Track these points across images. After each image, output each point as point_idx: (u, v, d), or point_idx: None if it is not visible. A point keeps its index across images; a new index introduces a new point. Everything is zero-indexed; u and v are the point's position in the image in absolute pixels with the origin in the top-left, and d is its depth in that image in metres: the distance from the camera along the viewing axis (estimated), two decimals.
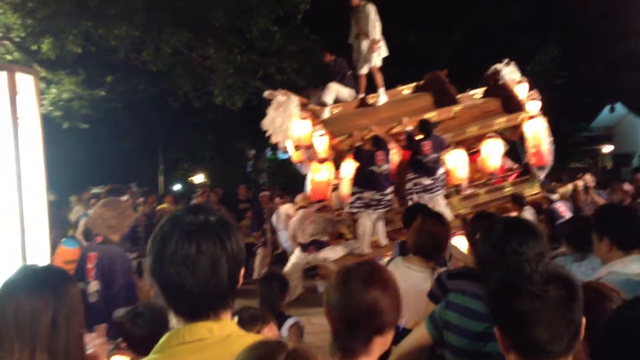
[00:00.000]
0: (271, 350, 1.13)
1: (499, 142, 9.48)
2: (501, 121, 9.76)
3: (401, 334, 3.73)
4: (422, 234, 3.76)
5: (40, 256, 2.89)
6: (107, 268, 4.43)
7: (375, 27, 9.35)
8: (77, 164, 18.69)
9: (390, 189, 8.71)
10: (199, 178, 27.08)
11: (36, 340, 1.80)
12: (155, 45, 13.23)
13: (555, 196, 9.47)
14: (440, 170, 8.88)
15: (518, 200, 9.03)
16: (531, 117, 9.83)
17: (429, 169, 8.73)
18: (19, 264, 2.73)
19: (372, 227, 8.71)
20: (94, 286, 4.46)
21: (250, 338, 1.56)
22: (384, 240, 8.75)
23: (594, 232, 3.16)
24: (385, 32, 9.71)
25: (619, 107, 29.70)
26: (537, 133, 9.84)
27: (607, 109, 29.90)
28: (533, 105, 10.04)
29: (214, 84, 14.40)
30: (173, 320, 3.96)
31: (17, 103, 2.69)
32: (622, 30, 23.01)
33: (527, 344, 1.59)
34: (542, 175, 9.89)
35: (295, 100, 9.25)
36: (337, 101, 9.77)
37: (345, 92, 9.82)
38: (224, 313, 1.59)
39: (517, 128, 10.07)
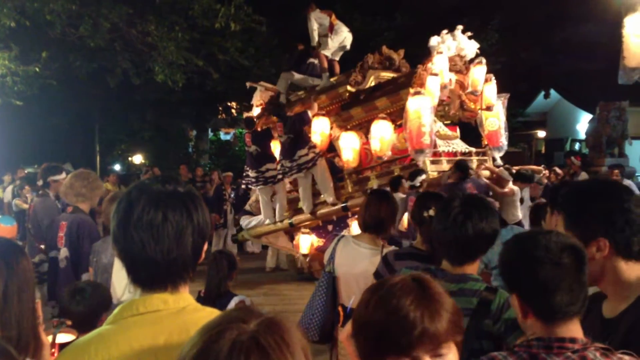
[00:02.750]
0: (241, 317, 1.09)
1: (388, 124, 8.97)
2: (383, 102, 9.35)
3: (349, 315, 3.79)
4: (368, 211, 3.80)
5: None
6: (75, 235, 4.70)
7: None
8: (10, 142, 18.02)
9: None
10: (137, 158, 26.55)
11: None
12: (93, 20, 12.82)
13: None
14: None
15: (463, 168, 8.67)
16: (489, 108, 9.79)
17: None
18: None
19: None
20: (63, 253, 4.71)
21: (205, 312, 1.54)
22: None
23: (549, 204, 3.32)
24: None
25: (554, 93, 30.52)
26: (493, 115, 9.90)
27: (541, 94, 30.67)
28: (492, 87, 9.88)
29: (155, 61, 14.09)
30: (126, 294, 3.93)
31: None
32: (559, 17, 23.66)
33: (549, 309, 1.74)
34: (497, 155, 9.84)
35: None
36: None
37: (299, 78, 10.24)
38: (182, 286, 1.57)
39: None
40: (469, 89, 9.63)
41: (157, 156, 24.92)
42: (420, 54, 10.23)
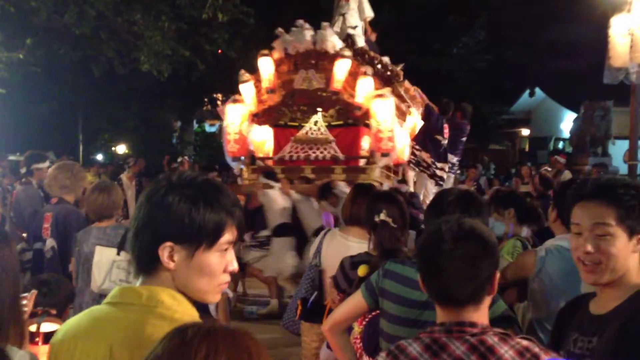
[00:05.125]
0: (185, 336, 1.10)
1: None
2: None
3: (309, 308, 3.80)
4: (355, 203, 3.80)
5: None
6: (61, 225, 4.74)
7: None
8: None
9: None
10: (121, 148, 26.35)
11: None
12: (79, 8, 12.68)
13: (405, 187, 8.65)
14: None
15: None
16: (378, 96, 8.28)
17: None
18: None
19: None
20: (49, 243, 4.73)
21: (166, 322, 1.43)
22: None
23: (551, 205, 3.36)
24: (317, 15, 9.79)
25: (538, 92, 30.74)
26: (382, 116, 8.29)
27: (527, 93, 30.89)
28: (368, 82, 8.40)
29: (140, 50, 13.98)
30: (106, 283, 3.89)
31: None
32: (545, 17, 23.82)
33: (436, 291, 1.84)
34: (383, 162, 8.45)
35: None
36: None
37: None
38: (162, 278, 1.51)
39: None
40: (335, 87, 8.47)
41: (140, 147, 24.71)
42: (404, 51, 10.30)
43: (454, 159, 9.54)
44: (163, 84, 16.96)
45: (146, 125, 24.53)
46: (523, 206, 4.78)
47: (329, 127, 8.89)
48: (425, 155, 8.99)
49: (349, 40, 9.33)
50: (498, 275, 1.83)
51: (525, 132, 31.01)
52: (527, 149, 30.93)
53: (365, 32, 9.77)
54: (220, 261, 1.49)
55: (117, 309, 1.47)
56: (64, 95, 21.07)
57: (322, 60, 8.57)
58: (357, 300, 2.69)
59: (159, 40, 13.37)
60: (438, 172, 8.97)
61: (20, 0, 11.88)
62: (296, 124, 8.99)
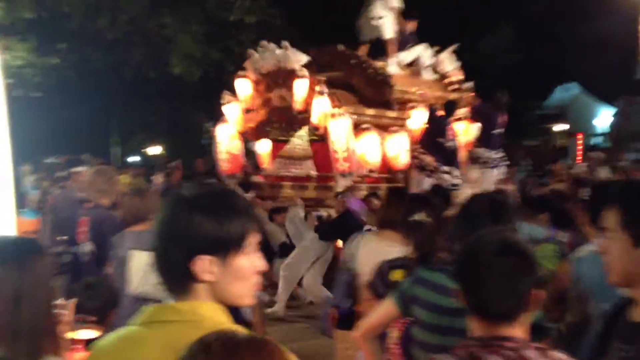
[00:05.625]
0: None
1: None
2: None
3: (344, 314, 3.79)
4: (389, 207, 3.78)
5: (7, 228, 2.78)
6: (97, 230, 4.77)
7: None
8: (28, 133, 18.11)
9: None
10: (154, 150, 26.64)
11: None
12: (111, 13, 12.88)
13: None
14: None
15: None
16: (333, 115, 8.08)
17: None
18: None
19: None
20: (86, 247, 4.79)
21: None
22: None
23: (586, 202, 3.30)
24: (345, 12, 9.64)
25: (573, 87, 30.27)
26: (336, 135, 8.07)
27: (561, 88, 30.43)
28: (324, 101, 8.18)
29: (171, 53, 14.13)
30: (141, 287, 3.95)
31: None
32: (576, 11, 23.43)
33: (476, 305, 1.80)
34: (342, 183, 7.97)
35: None
36: None
37: None
38: (203, 294, 1.51)
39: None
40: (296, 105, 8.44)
41: (173, 148, 24.97)
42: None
43: (489, 152, 9.13)
44: (194, 86, 17.10)
45: (178, 127, 24.76)
46: (557, 210, 4.68)
47: (315, 141, 8.75)
48: (429, 159, 8.72)
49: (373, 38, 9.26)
50: (539, 293, 1.80)
51: (560, 127, 30.49)
52: (561, 144, 30.44)
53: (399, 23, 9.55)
54: (251, 263, 1.52)
55: (156, 328, 1.47)
56: (97, 99, 21.38)
57: (289, 79, 8.57)
58: (388, 306, 2.68)
59: (189, 44, 13.49)
60: (446, 177, 8.59)
61: (54, 6, 12.09)
62: (286, 138, 8.98)
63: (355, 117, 8.34)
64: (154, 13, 13.46)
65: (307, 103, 8.28)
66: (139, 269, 4.21)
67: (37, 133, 19.52)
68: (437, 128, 8.64)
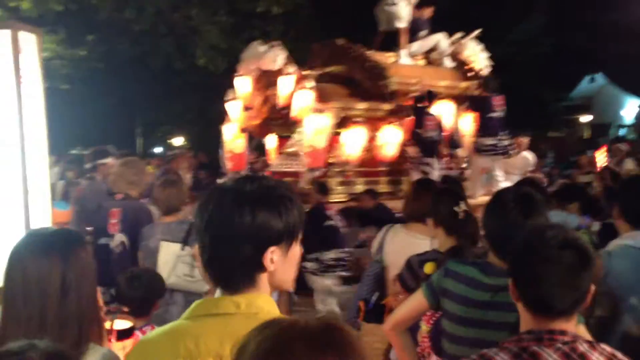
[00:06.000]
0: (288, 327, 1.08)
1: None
2: None
3: (371, 309, 3.79)
4: (417, 200, 3.77)
5: (44, 219, 2.84)
6: (132, 221, 4.69)
7: None
8: (54, 124, 18.27)
9: None
10: (178, 141, 26.83)
11: (45, 306, 1.76)
12: (138, 5, 12.98)
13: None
14: None
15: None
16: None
17: None
18: (22, 228, 2.68)
19: None
20: (119, 238, 4.72)
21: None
22: None
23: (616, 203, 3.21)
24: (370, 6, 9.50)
25: (599, 78, 29.88)
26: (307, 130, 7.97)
27: (587, 78, 30.06)
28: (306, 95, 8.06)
29: (197, 45, 14.21)
30: (172, 278, 4.00)
31: (19, 62, 2.64)
32: (606, 1, 23.07)
33: (533, 300, 1.79)
34: (308, 177, 7.91)
35: None
36: None
37: None
38: (258, 287, 1.55)
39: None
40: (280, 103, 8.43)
41: (198, 139, 25.12)
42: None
43: (491, 139, 8.85)
44: (219, 77, 17.16)
45: (203, 118, 24.88)
46: (586, 199, 4.66)
47: None
48: (412, 150, 8.54)
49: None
50: (592, 287, 1.80)
51: (585, 118, 30.15)
52: (587, 136, 30.10)
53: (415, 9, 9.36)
54: (300, 250, 1.60)
55: (213, 321, 1.50)
56: (122, 90, 21.57)
57: (277, 77, 8.55)
58: (418, 299, 2.67)
59: (215, 35, 13.55)
60: (426, 169, 8.27)
61: None
62: (289, 134, 8.90)
63: (344, 111, 8.31)
64: (180, 4, 13.53)
65: (291, 99, 8.25)
66: (169, 260, 4.27)
67: (63, 124, 19.74)
68: (418, 119, 8.45)
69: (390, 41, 9.27)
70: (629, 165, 11.37)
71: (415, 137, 8.47)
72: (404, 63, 9.07)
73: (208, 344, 1.46)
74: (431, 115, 8.44)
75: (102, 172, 6.92)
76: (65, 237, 1.90)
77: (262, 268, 1.52)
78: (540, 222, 2.35)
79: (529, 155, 9.94)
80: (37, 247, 1.83)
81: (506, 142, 8.72)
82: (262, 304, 1.52)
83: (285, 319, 1.11)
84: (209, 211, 1.53)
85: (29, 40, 2.75)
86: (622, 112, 28.15)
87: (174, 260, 4.26)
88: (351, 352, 1.06)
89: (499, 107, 8.58)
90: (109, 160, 6.99)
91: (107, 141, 18.30)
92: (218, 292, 1.56)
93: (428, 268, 3.05)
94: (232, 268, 1.53)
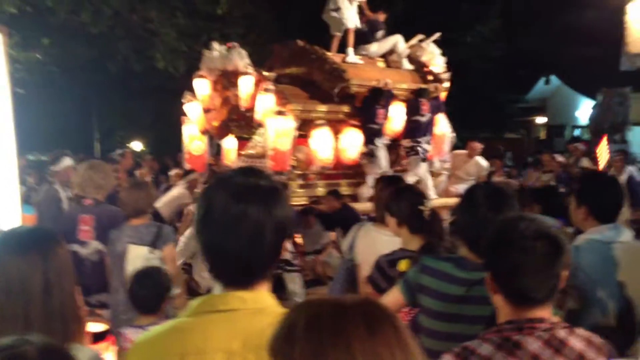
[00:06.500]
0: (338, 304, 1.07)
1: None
2: None
3: None
4: (377, 201, 3.80)
5: (13, 221, 2.78)
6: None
7: None
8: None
9: None
10: (136, 145, 26.44)
11: (29, 304, 1.75)
12: (95, 7, 12.77)
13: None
14: None
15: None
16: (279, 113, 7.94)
17: None
18: None
19: None
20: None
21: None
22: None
23: (573, 197, 3.23)
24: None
25: (554, 79, 30.52)
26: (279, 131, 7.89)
27: (542, 80, 30.66)
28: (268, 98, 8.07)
29: (156, 47, 14.04)
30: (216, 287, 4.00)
31: None
32: (560, 3, 23.60)
33: (513, 291, 1.81)
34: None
35: None
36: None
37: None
38: (262, 283, 1.54)
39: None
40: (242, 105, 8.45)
41: (157, 143, 24.80)
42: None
43: (411, 142, 8.81)
44: (179, 79, 17.01)
45: (161, 122, 24.57)
46: (549, 202, 4.68)
47: None
48: (367, 149, 8.53)
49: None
50: (564, 273, 1.84)
51: (541, 120, 30.76)
52: (543, 137, 30.71)
53: (363, 13, 9.42)
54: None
55: (219, 317, 1.48)
56: (79, 94, 21.18)
57: (236, 78, 8.57)
58: (394, 296, 2.68)
59: (174, 37, 13.42)
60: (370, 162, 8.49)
61: (37, 0, 11.95)
62: (248, 136, 8.86)
63: (303, 113, 8.30)
64: (138, 6, 13.35)
65: (254, 100, 8.25)
66: (137, 263, 4.20)
67: (19, 130, 19.26)
68: (366, 116, 8.49)
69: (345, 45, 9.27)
70: (585, 163, 11.67)
71: (366, 133, 8.50)
72: (353, 62, 9.00)
73: (216, 340, 1.45)
74: (378, 108, 8.46)
75: (58, 177, 6.73)
76: (43, 235, 1.88)
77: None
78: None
79: (481, 161, 10.09)
80: (16, 247, 1.81)
81: (425, 147, 8.84)
82: (267, 299, 1.52)
83: (328, 299, 1.10)
84: (219, 205, 1.50)
85: None
86: (577, 113, 28.80)
87: (142, 264, 4.20)
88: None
89: (425, 111, 8.72)
90: (60, 166, 6.79)
91: (64, 146, 17.94)
92: (219, 288, 1.54)
93: (403, 265, 3.07)
94: (250, 263, 1.51)
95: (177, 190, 9.04)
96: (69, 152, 14.68)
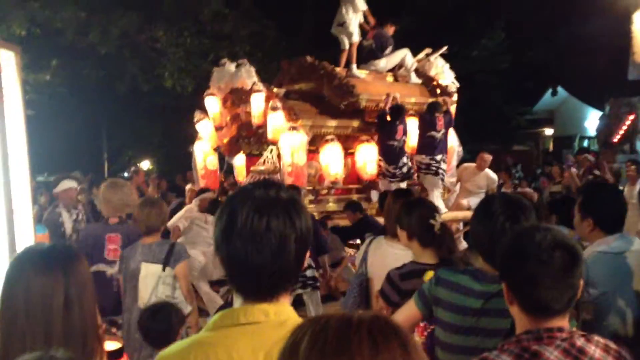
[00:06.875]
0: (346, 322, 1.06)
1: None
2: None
3: None
4: (387, 215, 3.78)
5: (27, 239, 2.78)
6: None
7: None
8: None
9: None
10: (145, 164, 26.53)
11: (50, 321, 1.75)
12: (103, 28, 12.88)
13: None
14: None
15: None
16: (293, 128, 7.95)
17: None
18: (5, 247, 2.62)
19: None
20: None
21: None
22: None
23: (578, 209, 3.21)
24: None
25: (561, 91, 30.45)
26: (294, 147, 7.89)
27: (549, 92, 30.60)
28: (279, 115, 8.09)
29: (164, 67, 14.15)
30: (152, 299, 3.97)
31: (1, 81, 2.60)
32: (565, 14, 23.61)
33: (530, 302, 1.79)
34: None
35: None
36: None
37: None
38: (284, 296, 1.54)
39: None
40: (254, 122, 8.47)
41: (165, 162, 24.88)
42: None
43: (426, 158, 8.65)
44: (187, 98, 17.12)
45: (169, 140, 24.67)
46: (566, 213, 4.65)
47: None
48: (384, 164, 8.47)
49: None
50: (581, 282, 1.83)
51: (549, 131, 30.64)
52: (551, 148, 30.59)
53: (367, 21, 9.41)
54: None
55: (241, 330, 1.48)
56: (88, 114, 21.32)
57: (248, 95, 8.61)
58: (410, 309, 2.66)
59: (181, 57, 13.52)
60: (388, 178, 8.43)
61: (46, 22, 12.07)
62: (258, 152, 8.83)
63: (314, 129, 8.31)
64: (146, 26, 13.47)
65: (266, 117, 8.27)
66: (149, 281, 4.21)
67: (29, 151, 19.40)
68: (385, 132, 8.43)
69: (360, 58, 9.28)
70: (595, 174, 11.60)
71: (385, 150, 8.45)
72: (357, 76, 8.96)
73: (240, 354, 1.44)
74: (398, 125, 8.42)
75: (61, 200, 6.71)
76: (64, 252, 1.89)
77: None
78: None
79: (491, 173, 10.03)
80: (38, 263, 1.81)
81: (443, 165, 8.74)
82: (289, 311, 1.52)
83: (335, 314, 1.08)
84: (242, 219, 1.49)
85: (8, 58, 2.71)
86: (586, 124, 28.71)
87: (154, 282, 4.20)
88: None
89: (440, 127, 8.64)
90: (61, 188, 6.80)
91: (74, 167, 18.08)
92: (239, 302, 1.54)
93: (428, 277, 3.03)
94: (273, 275, 1.50)
95: (189, 208, 9.04)
96: (78, 172, 14.79)
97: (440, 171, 8.70)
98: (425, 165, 8.69)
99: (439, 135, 8.64)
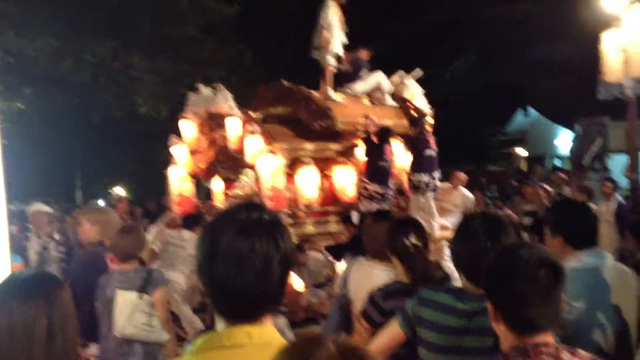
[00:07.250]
0: (311, 347, 1.07)
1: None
2: None
3: None
4: (374, 231, 3.78)
5: (3, 269, 2.74)
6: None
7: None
8: None
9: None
10: (119, 191, 26.28)
11: (32, 349, 1.74)
12: (76, 56, 12.81)
13: None
14: None
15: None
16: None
17: None
18: None
19: None
20: None
21: None
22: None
23: (547, 227, 3.24)
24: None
25: (532, 111, 30.96)
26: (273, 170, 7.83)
27: (521, 113, 31.08)
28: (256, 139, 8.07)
29: (138, 93, 14.08)
30: (128, 328, 3.93)
31: None
32: (534, 36, 24.08)
33: (518, 319, 1.81)
34: None
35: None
36: None
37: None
38: (267, 317, 1.54)
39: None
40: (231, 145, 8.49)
41: (140, 189, 24.69)
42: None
43: (423, 176, 8.81)
44: (161, 123, 17.04)
45: (144, 166, 24.49)
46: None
47: None
48: (372, 187, 8.34)
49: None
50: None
51: (522, 151, 31.07)
52: (525, 168, 30.98)
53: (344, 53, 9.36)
54: None
55: (226, 353, 1.47)
56: (61, 142, 21.12)
57: (222, 120, 8.63)
58: (394, 330, 2.65)
59: (156, 82, 13.47)
60: (375, 199, 8.28)
61: (19, 50, 11.97)
62: (235, 177, 8.86)
63: (292, 152, 8.28)
64: (120, 53, 13.42)
65: (242, 142, 8.26)
66: (124, 309, 4.15)
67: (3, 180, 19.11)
68: (375, 154, 8.40)
69: (337, 82, 9.34)
70: (567, 192, 11.76)
71: (373, 171, 8.45)
72: (333, 99, 8.97)
73: None
74: (385, 146, 8.46)
75: (32, 223, 6.76)
76: (47, 280, 1.88)
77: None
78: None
79: (466, 192, 10.11)
80: (21, 291, 1.81)
81: (437, 180, 8.80)
82: (272, 333, 1.52)
83: (307, 338, 1.10)
84: (225, 241, 1.48)
85: None
86: (556, 142, 29.14)
87: (130, 309, 4.14)
88: None
89: (433, 145, 8.71)
90: (35, 210, 6.79)
91: (46, 195, 17.86)
92: (222, 325, 1.53)
93: None
94: (257, 297, 1.50)
95: (160, 230, 8.91)
96: (52, 200, 14.58)
97: (436, 188, 8.67)
98: (425, 183, 8.72)
99: (434, 153, 8.68)
